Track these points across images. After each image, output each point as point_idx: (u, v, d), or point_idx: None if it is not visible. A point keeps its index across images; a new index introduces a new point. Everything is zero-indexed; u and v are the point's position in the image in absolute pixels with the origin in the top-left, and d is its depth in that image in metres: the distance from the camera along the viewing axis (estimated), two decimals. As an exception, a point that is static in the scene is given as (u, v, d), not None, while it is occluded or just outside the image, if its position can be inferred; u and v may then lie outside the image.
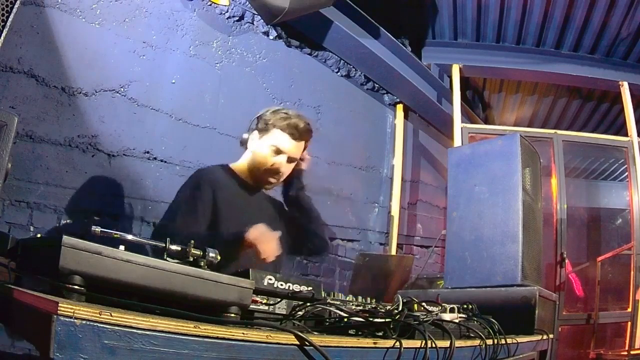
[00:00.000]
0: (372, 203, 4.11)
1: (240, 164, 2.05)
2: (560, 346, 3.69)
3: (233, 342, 0.72)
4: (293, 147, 1.98)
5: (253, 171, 2.01)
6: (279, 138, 1.96)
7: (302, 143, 2.02)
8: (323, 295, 1.18)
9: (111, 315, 0.62)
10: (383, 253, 4.05)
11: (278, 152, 1.96)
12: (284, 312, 1.08)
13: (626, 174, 4.39)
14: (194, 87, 2.99)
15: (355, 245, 3.88)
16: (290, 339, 0.78)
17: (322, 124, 3.70)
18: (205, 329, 0.69)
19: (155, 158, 2.73)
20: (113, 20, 2.64)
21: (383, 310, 1.19)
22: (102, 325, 0.61)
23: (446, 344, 1.06)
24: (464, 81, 4.61)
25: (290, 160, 1.99)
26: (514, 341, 1.49)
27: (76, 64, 2.47)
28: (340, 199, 3.80)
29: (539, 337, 1.84)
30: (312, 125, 2.07)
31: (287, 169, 2.01)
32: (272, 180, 2.00)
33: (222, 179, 1.98)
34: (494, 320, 1.47)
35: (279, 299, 1.07)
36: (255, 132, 2.02)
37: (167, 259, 0.89)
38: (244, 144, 2.06)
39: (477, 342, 1.26)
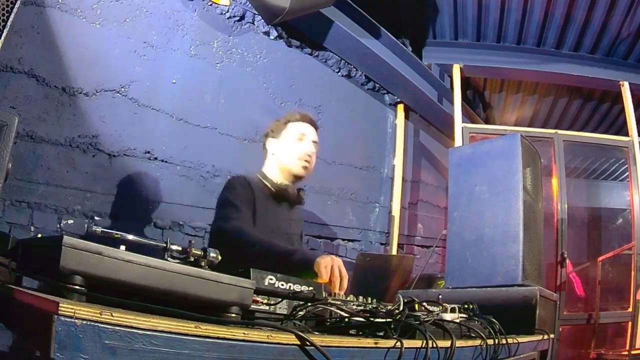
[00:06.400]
0: (372, 203, 4.11)
1: (267, 169, 2.08)
2: (560, 346, 3.68)
3: (234, 342, 0.72)
4: (313, 132, 2.06)
5: (285, 166, 2.03)
6: (299, 126, 2.04)
7: (316, 131, 2.09)
8: (324, 295, 1.18)
9: (112, 316, 0.61)
10: (384, 253, 4.04)
11: (303, 137, 2.02)
12: (285, 312, 1.08)
13: (627, 173, 4.39)
14: (194, 87, 2.99)
15: (356, 245, 3.88)
16: (291, 339, 0.78)
17: (322, 124, 3.70)
18: (206, 329, 0.69)
19: (155, 158, 2.73)
20: (114, 21, 2.64)
21: (384, 310, 1.19)
22: (102, 325, 0.61)
23: (447, 344, 1.05)
24: (465, 81, 4.60)
25: (314, 143, 2.05)
26: (515, 341, 1.49)
27: (77, 64, 2.48)
28: (341, 199, 3.80)
29: (539, 337, 1.84)
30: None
31: (315, 152, 2.05)
32: (307, 165, 2.03)
33: (259, 189, 1.99)
34: (494, 320, 1.47)
35: (279, 299, 1.07)
36: (269, 138, 2.07)
37: (168, 259, 0.89)
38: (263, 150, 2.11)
39: (478, 342, 1.26)
